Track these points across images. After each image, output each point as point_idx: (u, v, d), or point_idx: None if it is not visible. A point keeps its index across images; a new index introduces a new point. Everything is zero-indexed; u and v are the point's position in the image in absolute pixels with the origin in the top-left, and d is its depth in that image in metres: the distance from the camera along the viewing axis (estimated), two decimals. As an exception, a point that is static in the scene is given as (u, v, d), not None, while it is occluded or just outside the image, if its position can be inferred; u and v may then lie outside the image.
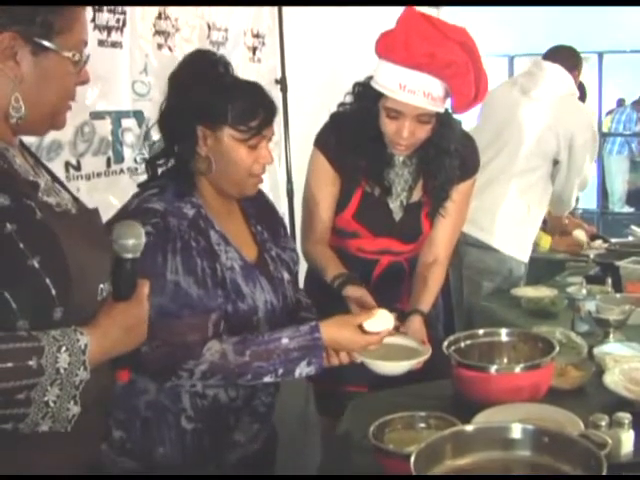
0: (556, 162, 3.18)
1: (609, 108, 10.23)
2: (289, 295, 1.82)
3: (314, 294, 2.03)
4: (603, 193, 9.68)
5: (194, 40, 3.59)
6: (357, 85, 2.16)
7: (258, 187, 1.78)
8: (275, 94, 4.17)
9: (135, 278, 1.27)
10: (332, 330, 1.68)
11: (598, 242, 3.67)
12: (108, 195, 2.99)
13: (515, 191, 3.17)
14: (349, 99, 2.18)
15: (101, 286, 1.23)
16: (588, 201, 8.12)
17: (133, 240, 1.25)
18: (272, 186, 4.24)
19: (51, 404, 1.10)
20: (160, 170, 1.74)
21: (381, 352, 1.77)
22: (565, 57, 3.26)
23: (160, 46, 3.37)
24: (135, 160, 3.20)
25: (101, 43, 3.02)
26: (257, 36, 4.16)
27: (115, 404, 1.58)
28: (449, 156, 2.14)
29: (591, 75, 8.57)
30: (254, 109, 1.65)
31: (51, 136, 2.73)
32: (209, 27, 3.72)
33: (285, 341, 1.64)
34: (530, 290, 2.93)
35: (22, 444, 1.13)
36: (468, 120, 3.85)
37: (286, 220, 3.99)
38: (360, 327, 1.71)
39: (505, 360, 1.97)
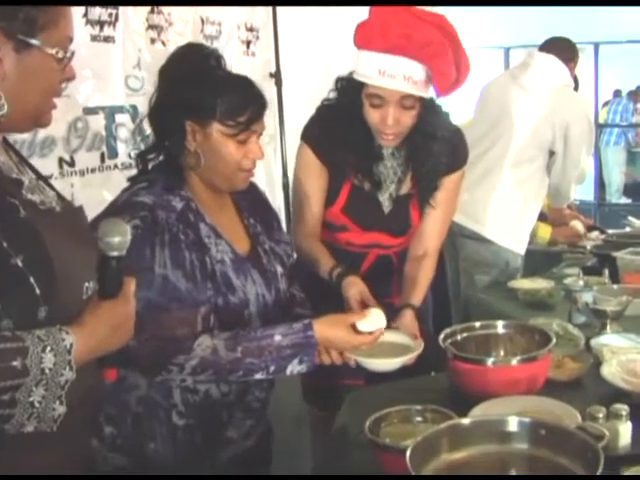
0: (552, 153, 3.17)
1: (605, 99, 10.22)
2: (282, 289, 1.81)
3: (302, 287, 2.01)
4: (600, 184, 9.67)
5: (187, 34, 3.57)
6: (340, 80, 2.15)
7: (249, 180, 1.76)
8: (270, 88, 4.16)
9: (121, 276, 1.25)
10: (325, 328, 1.67)
11: (595, 233, 3.66)
12: (102, 191, 2.97)
13: (511, 183, 3.17)
14: (333, 95, 2.17)
15: (86, 284, 1.22)
16: (585, 192, 8.11)
17: (119, 238, 1.23)
18: (268, 180, 4.23)
19: (36, 404, 1.09)
20: (151, 164, 1.72)
21: (373, 349, 1.77)
22: (561, 49, 3.25)
23: (153, 40, 3.35)
24: (129, 155, 3.18)
25: (94, 38, 3.00)
26: (251, 30, 4.14)
27: (106, 400, 1.57)
28: (436, 142, 2.13)
29: (587, 66, 8.56)
30: (243, 104, 1.64)
31: (44, 132, 2.72)
32: (202, 21, 3.70)
33: (278, 338, 1.63)
34: (527, 282, 2.93)
35: (7, 444, 1.12)
36: (465, 113, 3.85)
37: (282, 214, 3.98)
38: (353, 326, 1.70)
39: (502, 352, 1.96)
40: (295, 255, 2.11)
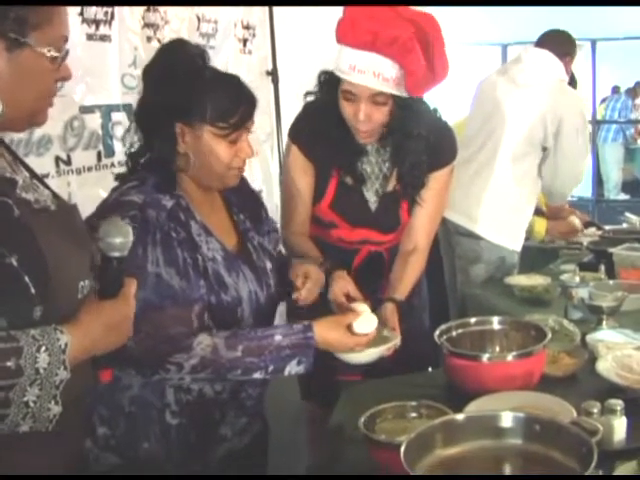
0: (545, 149, 3.15)
1: (603, 96, 10.22)
2: (272, 284, 1.80)
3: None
4: (598, 181, 9.68)
5: (183, 32, 3.55)
6: (322, 73, 2.15)
7: (240, 177, 1.75)
8: (266, 86, 4.16)
9: (122, 277, 1.25)
10: (324, 330, 1.68)
11: (591, 229, 3.66)
12: (99, 189, 2.95)
13: (505, 179, 3.14)
14: (315, 88, 2.18)
15: (81, 283, 1.22)
16: (583, 189, 8.12)
17: (120, 239, 1.24)
18: (265, 178, 4.23)
19: (31, 404, 1.09)
20: (141, 162, 1.72)
21: None
22: (556, 43, 3.21)
23: (149, 39, 3.34)
24: (126, 154, 3.17)
25: (90, 37, 2.99)
26: (247, 27, 4.14)
27: (99, 400, 1.57)
28: (415, 139, 2.11)
29: (585, 63, 8.56)
30: (234, 105, 1.62)
31: (41, 131, 2.71)
32: (199, 19, 3.69)
33: (278, 338, 1.63)
34: (523, 278, 2.92)
35: (1, 444, 1.12)
36: (462, 111, 3.84)
37: (279, 212, 3.97)
38: (349, 327, 1.71)
39: (497, 348, 1.97)
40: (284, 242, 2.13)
